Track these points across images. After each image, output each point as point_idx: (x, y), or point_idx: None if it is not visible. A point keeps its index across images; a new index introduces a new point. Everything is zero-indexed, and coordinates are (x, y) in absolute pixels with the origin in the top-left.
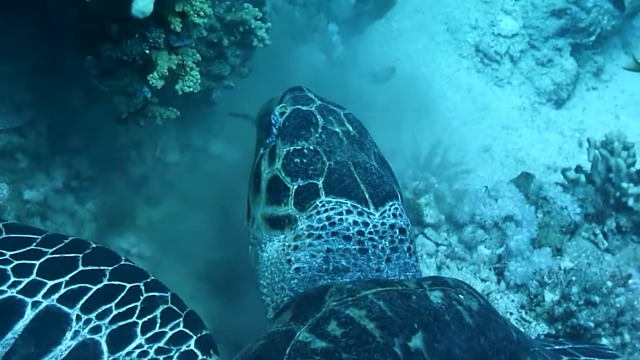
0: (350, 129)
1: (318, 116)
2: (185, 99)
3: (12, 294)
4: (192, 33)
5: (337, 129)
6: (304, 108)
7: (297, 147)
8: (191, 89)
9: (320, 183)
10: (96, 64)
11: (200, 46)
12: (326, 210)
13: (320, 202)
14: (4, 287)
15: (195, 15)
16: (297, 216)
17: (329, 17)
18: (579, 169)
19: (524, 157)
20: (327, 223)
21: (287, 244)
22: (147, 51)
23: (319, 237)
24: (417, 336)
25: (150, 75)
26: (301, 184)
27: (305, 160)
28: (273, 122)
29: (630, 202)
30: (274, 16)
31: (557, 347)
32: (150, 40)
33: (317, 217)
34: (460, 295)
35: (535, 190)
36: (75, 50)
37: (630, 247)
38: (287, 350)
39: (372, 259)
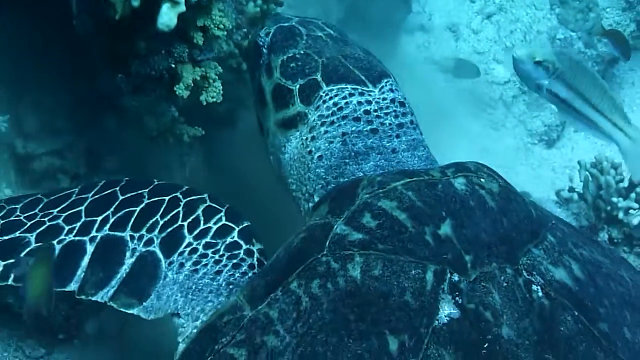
0: (332, 32)
1: (300, 27)
2: (209, 121)
3: (70, 239)
4: (214, 46)
5: (320, 34)
6: (286, 24)
7: (289, 55)
8: (214, 99)
9: (318, 77)
10: (127, 81)
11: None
12: (331, 98)
13: (324, 92)
14: (61, 237)
15: (216, 28)
16: (306, 111)
17: None
18: (571, 188)
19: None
20: (335, 109)
21: (304, 137)
22: (173, 65)
23: (332, 123)
24: (445, 224)
25: (177, 86)
26: (302, 82)
27: (299, 63)
28: (261, 43)
29: (621, 215)
30: None
31: None
32: (175, 55)
33: (325, 105)
34: (482, 179)
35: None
36: (108, 70)
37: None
38: (327, 243)
39: (383, 137)
